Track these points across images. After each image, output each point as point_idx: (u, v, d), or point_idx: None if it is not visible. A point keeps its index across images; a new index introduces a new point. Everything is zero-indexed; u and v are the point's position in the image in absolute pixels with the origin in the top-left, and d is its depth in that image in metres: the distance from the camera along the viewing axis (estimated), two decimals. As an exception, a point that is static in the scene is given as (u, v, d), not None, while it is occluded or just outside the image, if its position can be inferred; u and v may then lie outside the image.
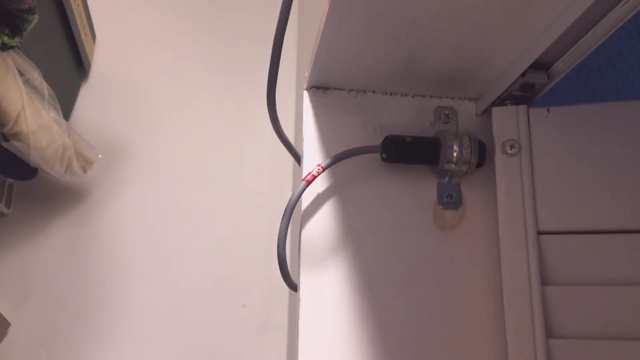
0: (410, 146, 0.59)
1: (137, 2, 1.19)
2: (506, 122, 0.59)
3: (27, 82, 0.78)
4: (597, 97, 0.90)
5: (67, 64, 1.01)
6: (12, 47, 0.68)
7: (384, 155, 0.59)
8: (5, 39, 0.67)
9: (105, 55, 1.12)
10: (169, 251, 1.01)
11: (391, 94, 0.64)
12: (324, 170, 0.57)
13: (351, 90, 0.63)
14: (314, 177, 0.57)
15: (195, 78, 1.14)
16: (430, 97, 0.64)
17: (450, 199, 0.60)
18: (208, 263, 1.01)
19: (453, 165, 0.58)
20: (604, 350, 0.53)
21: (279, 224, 0.58)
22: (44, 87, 0.81)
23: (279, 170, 1.07)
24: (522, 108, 0.59)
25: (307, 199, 0.59)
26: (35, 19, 0.68)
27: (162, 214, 1.03)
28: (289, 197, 0.57)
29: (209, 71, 1.15)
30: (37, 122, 0.78)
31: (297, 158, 0.69)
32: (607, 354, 0.53)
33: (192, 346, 0.96)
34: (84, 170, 0.94)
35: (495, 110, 0.60)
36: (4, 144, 0.77)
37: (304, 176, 0.57)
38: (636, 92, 0.88)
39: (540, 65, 0.56)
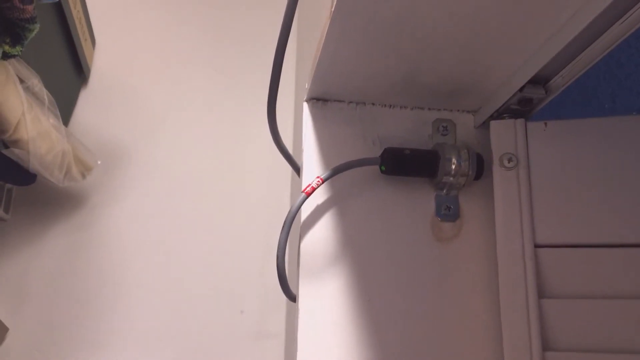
0: (408, 158, 0.59)
1: (137, 8, 1.19)
2: (504, 135, 0.60)
3: (27, 89, 0.78)
4: (594, 103, 0.90)
5: (66, 70, 1.01)
6: (13, 56, 0.69)
7: (382, 168, 0.59)
8: (7, 48, 0.67)
9: (105, 60, 1.12)
10: (167, 257, 1.01)
11: (390, 106, 0.64)
12: (323, 182, 0.58)
13: (350, 102, 0.63)
14: (314, 189, 0.57)
15: (195, 84, 1.14)
16: (429, 109, 0.64)
17: (448, 211, 0.61)
18: (206, 269, 1.01)
19: (451, 178, 0.59)
20: (600, 363, 0.54)
21: (277, 231, 0.58)
22: (44, 93, 0.81)
23: (277, 178, 1.07)
24: (520, 122, 0.60)
25: (306, 211, 0.59)
26: (36, 28, 0.68)
27: (160, 220, 1.03)
28: (287, 204, 0.58)
29: (209, 77, 1.15)
30: (36, 129, 0.78)
31: (296, 169, 0.69)
32: (603, 366, 0.54)
33: (190, 352, 0.96)
34: (83, 175, 0.94)
35: (493, 124, 0.61)
36: (4, 151, 0.78)
37: (303, 188, 0.57)
38: (633, 99, 0.88)
39: (539, 80, 0.56)
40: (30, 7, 0.65)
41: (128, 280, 0.99)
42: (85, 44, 1.02)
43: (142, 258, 1.00)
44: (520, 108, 0.59)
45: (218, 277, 1.01)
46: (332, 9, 0.46)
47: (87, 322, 0.95)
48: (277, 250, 0.57)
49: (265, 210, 1.05)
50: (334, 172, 0.58)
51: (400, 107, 0.64)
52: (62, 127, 0.86)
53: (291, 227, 0.57)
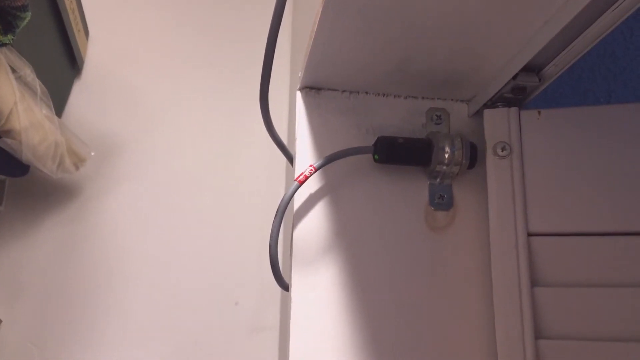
0: (402, 147, 0.59)
1: (131, -1, 1.18)
2: (497, 124, 0.60)
3: (20, 79, 0.77)
4: (590, 97, 0.90)
5: (60, 61, 1.01)
6: (4, 45, 0.68)
7: (376, 156, 0.59)
8: (-2, 36, 0.66)
9: (98, 52, 1.12)
10: (161, 249, 1.01)
11: (384, 95, 0.64)
12: (316, 171, 0.57)
13: (344, 91, 0.63)
14: (306, 178, 0.57)
15: (189, 76, 1.14)
16: (423, 98, 0.64)
17: (441, 200, 0.61)
18: (200, 262, 1.01)
19: (445, 167, 0.58)
20: (593, 351, 0.54)
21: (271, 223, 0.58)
22: (37, 84, 0.81)
23: (272, 170, 1.07)
24: (514, 110, 0.60)
25: (299, 199, 0.59)
26: (28, 16, 0.67)
27: (154, 212, 1.03)
28: (282, 196, 0.57)
29: (203, 69, 1.15)
30: (29, 119, 0.78)
31: (290, 158, 0.69)
32: (596, 355, 0.54)
33: (185, 344, 0.96)
34: (76, 167, 0.94)
35: (487, 112, 0.60)
36: (-4, 141, 0.77)
37: (296, 176, 0.57)
38: (628, 92, 0.88)
39: (532, 68, 0.56)
40: (21, -5, 0.65)
41: (122, 272, 0.99)
42: (78, 35, 1.01)
43: (136, 250, 1.00)
44: (514, 96, 0.59)
45: (213, 270, 1.01)
46: (325, -4, 0.46)
47: (81, 314, 0.95)
48: (270, 240, 0.57)
49: (260, 203, 1.05)
50: (327, 161, 0.58)
51: (394, 96, 0.64)
52: (55, 118, 0.86)
53: (284, 216, 0.57)
